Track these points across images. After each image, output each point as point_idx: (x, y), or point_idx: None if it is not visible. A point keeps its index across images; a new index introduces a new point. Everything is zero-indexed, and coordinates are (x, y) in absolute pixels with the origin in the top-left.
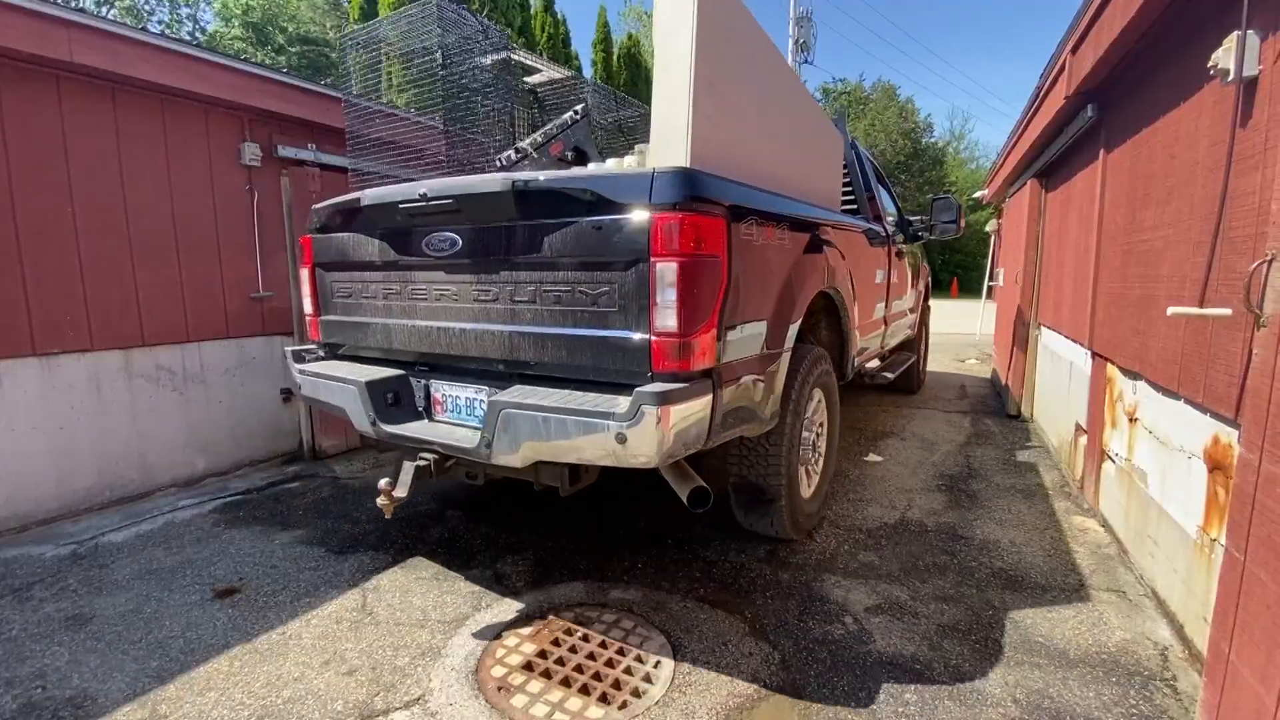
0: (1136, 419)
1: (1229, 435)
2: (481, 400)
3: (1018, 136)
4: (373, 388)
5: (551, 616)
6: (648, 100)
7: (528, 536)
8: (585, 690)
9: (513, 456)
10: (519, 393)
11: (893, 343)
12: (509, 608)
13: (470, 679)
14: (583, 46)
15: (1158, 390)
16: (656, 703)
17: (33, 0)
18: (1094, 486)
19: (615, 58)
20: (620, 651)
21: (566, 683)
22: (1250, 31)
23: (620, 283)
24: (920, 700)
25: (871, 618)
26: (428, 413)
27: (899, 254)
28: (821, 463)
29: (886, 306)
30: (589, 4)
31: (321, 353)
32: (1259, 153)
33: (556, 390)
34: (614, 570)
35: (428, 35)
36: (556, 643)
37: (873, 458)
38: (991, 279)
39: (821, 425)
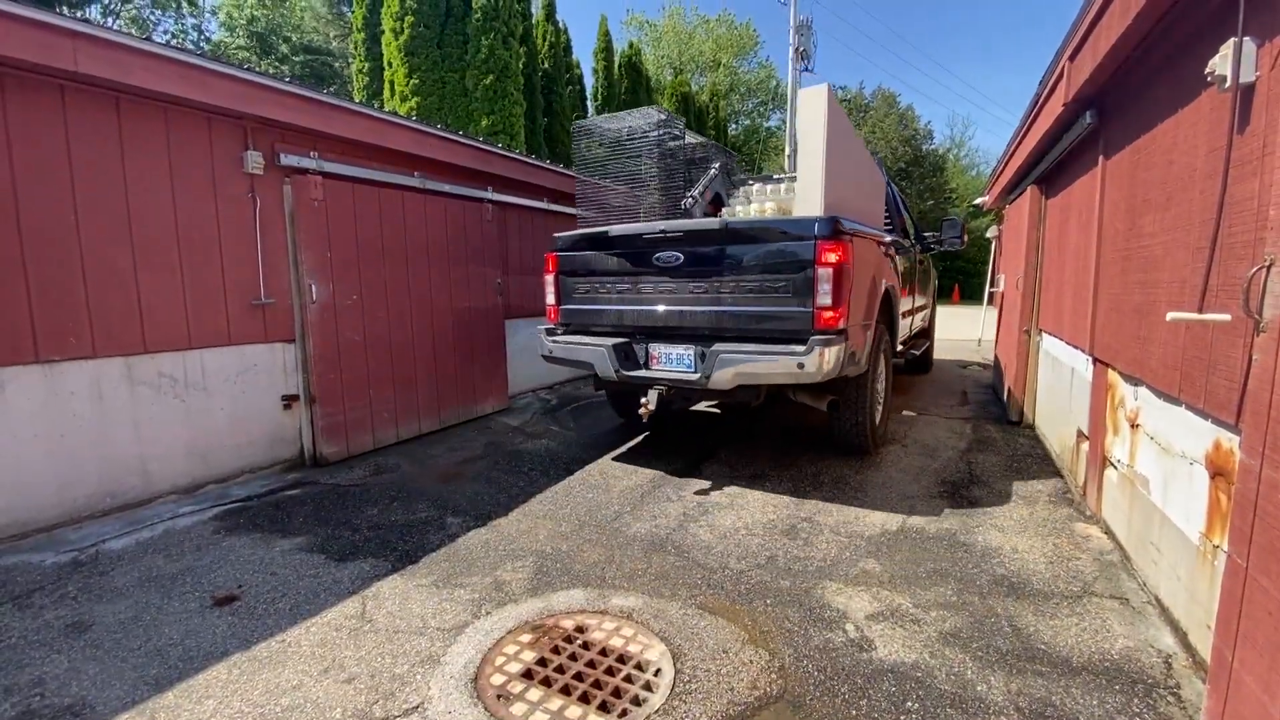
0: (1138, 425)
1: (1230, 441)
2: (688, 354)
3: (1017, 143)
4: (616, 348)
5: (551, 624)
6: (649, 107)
7: (527, 544)
8: (585, 698)
9: (724, 382)
10: (724, 346)
11: (914, 329)
12: (509, 615)
13: (469, 687)
14: (584, 54)
15: (1159, 396)
16: (657, 711)
17: (39, 11)
18: (1096, 493)
19: (617, 66)
20: (620, 659)
21: (566, 691)
22: (1247, 38)
23: (793, 280)
24: (922, 709)
25: (873, 625)
26: (646, 364)
27: (920, 262)
28: (884, 402)
29: (913, 301)
30: (590, 12)
31: (560, 331)
32: (1257, 159)
33: (746, 344)
34: (614, 577)
35: (632, 121)
36: (556, 650)
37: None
38: (992, 285)
39: (884, 378)
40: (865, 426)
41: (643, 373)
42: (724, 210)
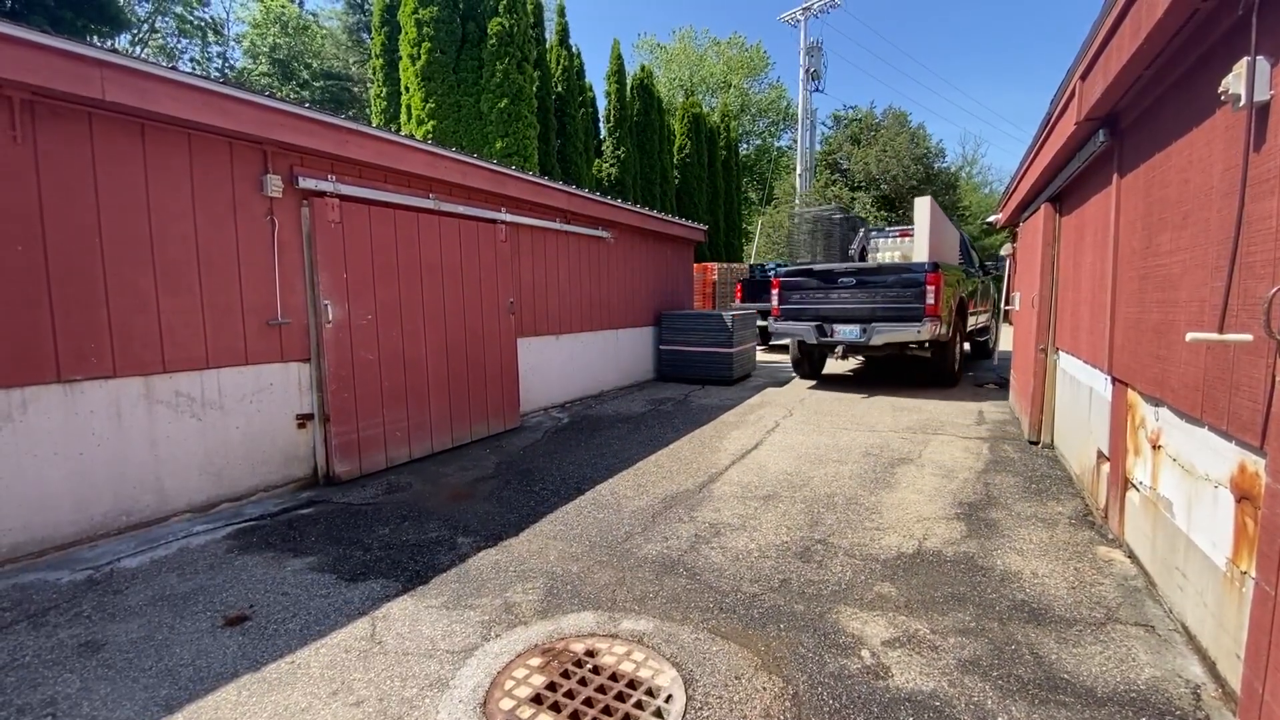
0: (1160, 446)
1: (1256, 464)
2: (855, 329)
3: (1029, 162)
4: (815, 327)
5: (561, 647)
6: (659, 129)
7: (537, 565)
8: None
9: (879, 341)
10: (878, 324)
11: (977, 325)
12: (519, 638)
13: (478, 712)
14: (596, 78)
15: (1181, 417)
16: None
17: (70, 42)
18: (1119, 516)
19: (629, 89)
20: (631, 684)
21: (576, 717)
22: (1260, 57)
23: (914, 291)
24: None
25: (889, 651)
26: (830, 335)
27: (982, 282)
28: (959, 358)
29: (975, 306)
30: (603, 36)
31: (780, 319)
32: (1274, 177)
33: (890, 322)
34: (625, 600)
35: (818, 209)
36: (566, 675)
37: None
38: (1008, 303)
39: (960, 344)
40: (951, 368)
41: (829, 339)
42: (870, 256)
